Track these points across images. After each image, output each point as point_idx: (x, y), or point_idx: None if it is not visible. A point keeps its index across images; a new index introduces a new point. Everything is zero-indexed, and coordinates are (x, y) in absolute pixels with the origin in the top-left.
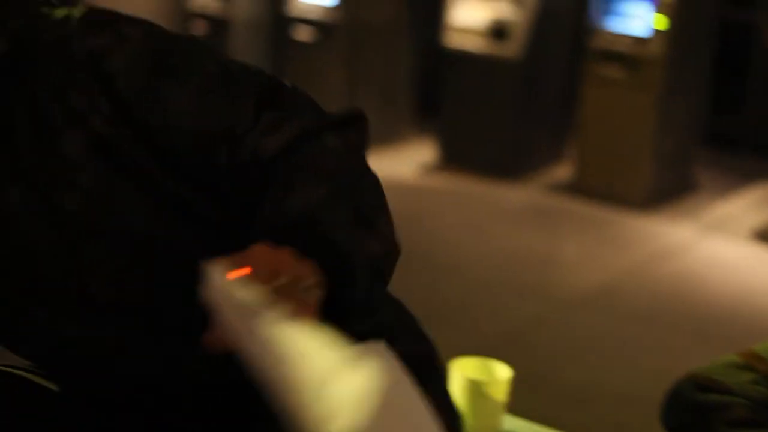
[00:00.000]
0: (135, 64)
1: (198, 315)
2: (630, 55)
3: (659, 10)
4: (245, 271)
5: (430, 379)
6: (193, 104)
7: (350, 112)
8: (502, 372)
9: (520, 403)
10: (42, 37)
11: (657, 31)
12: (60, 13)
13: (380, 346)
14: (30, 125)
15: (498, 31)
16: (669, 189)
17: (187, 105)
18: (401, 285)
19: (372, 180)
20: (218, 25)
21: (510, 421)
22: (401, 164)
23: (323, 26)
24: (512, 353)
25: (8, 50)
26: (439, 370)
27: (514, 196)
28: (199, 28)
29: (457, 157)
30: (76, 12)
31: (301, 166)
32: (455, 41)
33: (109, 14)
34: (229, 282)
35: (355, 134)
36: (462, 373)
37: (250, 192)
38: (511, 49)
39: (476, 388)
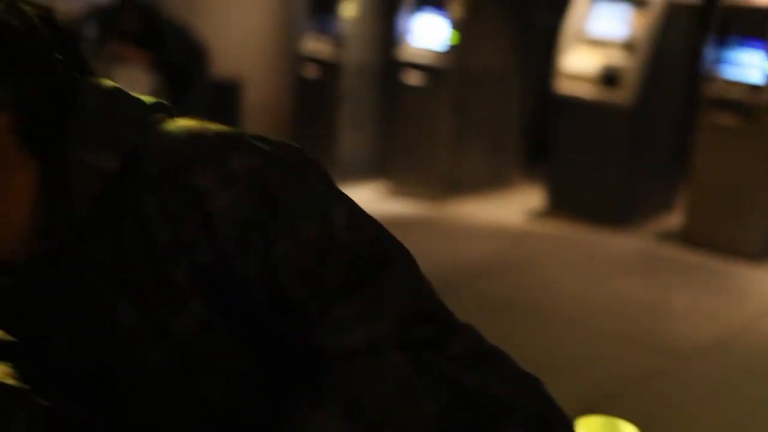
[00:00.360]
0: (234, 212)
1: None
2: (744, 102)
3: None
4: None
5: None
6: (273, 271)
7: (448, 323)
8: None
9: None
10: (153, 158)
11: None
12: (171, 127)
13: None
14: (141, 245)
15: (609, 78)
16: None
17: (267, 271)
18: (508, 333)
19: (433, 414)
20: (330, 69)
21: None
22: (509, 210)
23: (433, 71)
24: (626, 406)
25: (120, 168)
26: (567, 429)
27: (624, 244)
28: (310, 72)
29: (565, 203)
30: (186, 125)
31: (339, 390)
32: (566, 87)
33: (220, 139)
34: None
35: (439, 351)
36: None
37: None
38: (622, 95)
39: None
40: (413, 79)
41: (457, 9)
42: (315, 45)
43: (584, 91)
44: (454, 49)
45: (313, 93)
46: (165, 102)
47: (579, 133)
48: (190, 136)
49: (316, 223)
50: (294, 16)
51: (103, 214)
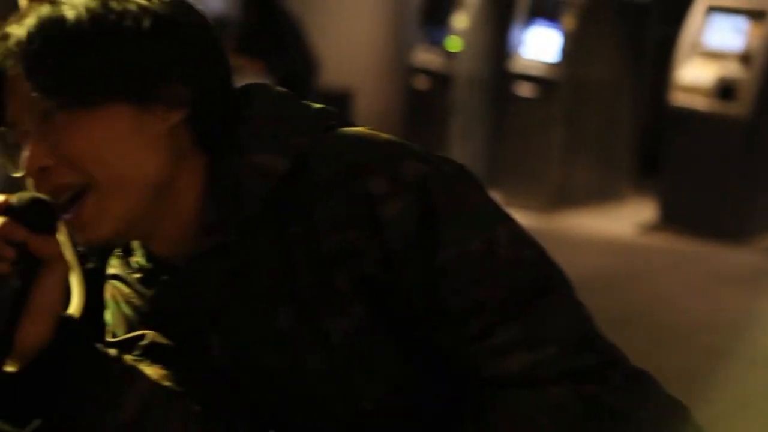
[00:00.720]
0: (404, 218)
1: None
2: None
3: None
4: None
5: None
6: (434, 281)
7: (608, 351)
8: None
9: None
10: (324, 163)
11: None
12: (341, 133)
13: None
14: (305, 249)
15: (725, 90)
16: None
17: (428, 280)
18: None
19: None
20: (441, 80)
21: None
22: (620, 223)
23: (545, 82)
24: (741, 425)
25: (289, 170)
26: None
27: (738, 259)
28: (421, 83)
29: (678, 216)
30: (357, 132)
31: (501, 423)
32: (680, 100)
33: (391, 146)
34: None
35: (600, 381)
36: None
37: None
38: (738, 108)
39: None
40: (524, 90)
41: (570, 20)
42: (426, 56)
43: (699, 104)
44: (566, 60)
45: (423, 104)
46: (331, 108)
47: (693, 145)
48: (362, 142)
49: (479, 237)
50: (405, 27)
51: (269, 215)
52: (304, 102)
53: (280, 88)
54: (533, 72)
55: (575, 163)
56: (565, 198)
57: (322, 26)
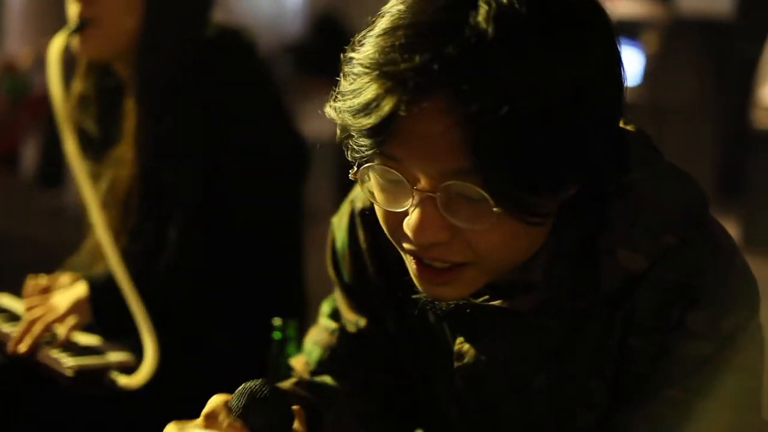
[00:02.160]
0: (692, 358)
1: None
2: None
3: None
4: None
5: None
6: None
7: None
8: None
9: None
10: (669, 272)
11: None
12: (702, 248)
13: None
14: (597, 328)
15: None
16: None
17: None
18: None
19: None
20: None
21: None
22: None
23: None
24: None
25: (643, 273)
26: None
27: None
28: None
29: (759, 240)
30: (716, 260)
31: None
32: (763, 121)
33: (739, 290)
34: None
35: None
36: None
37: None
38: None
39: None
40: None
41: (652, 41)
42: None
43: None
44: (645, 83)
45: None
46: (704, 193)
47: None
48: (715, 268)
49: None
50: None
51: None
52: (683, 175)
53: (658, 152)
54: None
55: None
56: None
57: None
